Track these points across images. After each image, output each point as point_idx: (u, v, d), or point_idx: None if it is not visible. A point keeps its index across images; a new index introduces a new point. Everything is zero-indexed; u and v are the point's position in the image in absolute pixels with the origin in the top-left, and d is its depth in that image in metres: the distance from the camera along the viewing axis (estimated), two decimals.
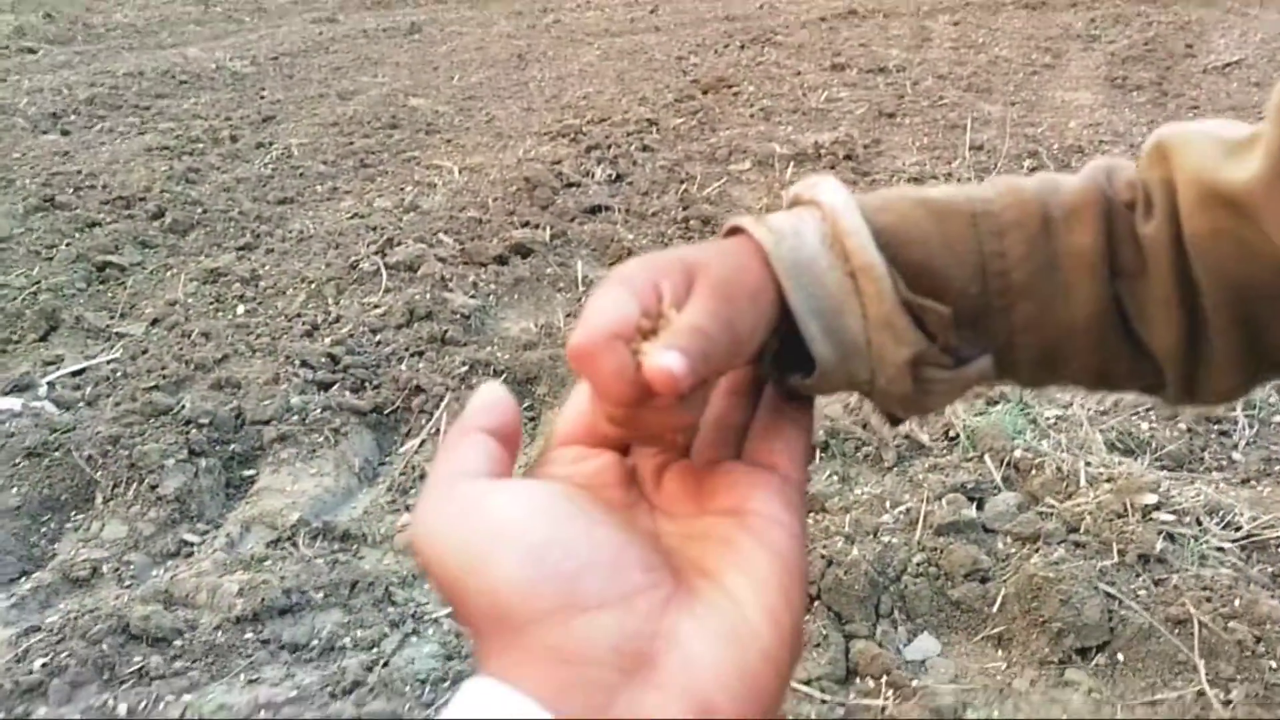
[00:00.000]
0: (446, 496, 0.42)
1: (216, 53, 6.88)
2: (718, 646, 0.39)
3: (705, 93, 5.81)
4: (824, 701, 1.53)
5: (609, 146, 4.52)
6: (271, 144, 4.63)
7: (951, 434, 2.17)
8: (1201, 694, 1.47)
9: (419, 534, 0.42)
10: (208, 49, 7.10)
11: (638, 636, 0.38)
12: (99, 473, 2.01)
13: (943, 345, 0.52)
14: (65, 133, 4.80)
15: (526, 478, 0.45)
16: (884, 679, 1.55)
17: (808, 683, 1.56)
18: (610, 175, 4.13)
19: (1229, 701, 1.45)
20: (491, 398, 0.47)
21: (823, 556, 1.70)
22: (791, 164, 4.19)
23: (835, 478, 2.09)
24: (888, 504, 1.92)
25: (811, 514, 1.96)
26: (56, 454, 2.05)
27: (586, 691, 0.37)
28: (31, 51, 6.95)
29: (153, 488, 1.98)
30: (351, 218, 3.61)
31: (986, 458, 2.01)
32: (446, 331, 2.59)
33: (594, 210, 3.69)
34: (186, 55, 6.73)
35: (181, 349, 2.55)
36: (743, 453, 0.50)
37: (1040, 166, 4.11)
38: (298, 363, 2.41)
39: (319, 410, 2.23)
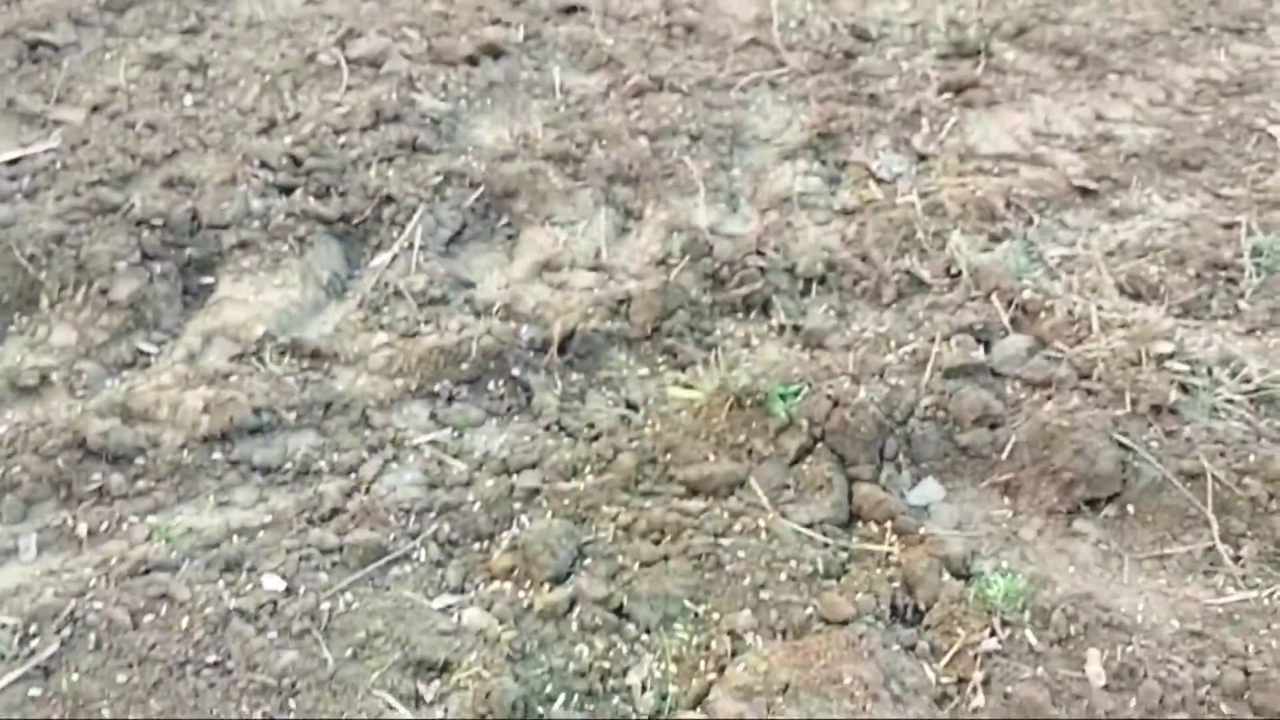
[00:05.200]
0: None
1: None
2: None
3: None
4: (826, 545, 1.48)
5: None
6: None
7: (953, 270, 2.08)
8: (1212, 549, 1.44)
9: None
10: None
11: None
12: (43, 273, 1.85)
13: None
14: None
15: None
16: (888, 524, 1.50)
17: (810, 525, 1.50)
18: None
19: (1239, 558, 1.43)
20: None
21: (828, 397, 1.62)
22: None
23: (832, 312, 2.00)
24: (892, 343, 1.84)
25: (809, 350, 1.88)
26: None
27: None
28: None
29: (103, 291, 1.83)
30: (305, 3, 3.31)
31: (994, 298, 1.92)
32: (417, 137, 2.40)
33: (569, 10, 3.43)
34: None
35: (126, 140, 2.33)
36: None
37: None
38: (256, 163, 2.21)
39: (282, 216, 2.07)
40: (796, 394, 1.64)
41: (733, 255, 2.11)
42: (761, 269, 2.07)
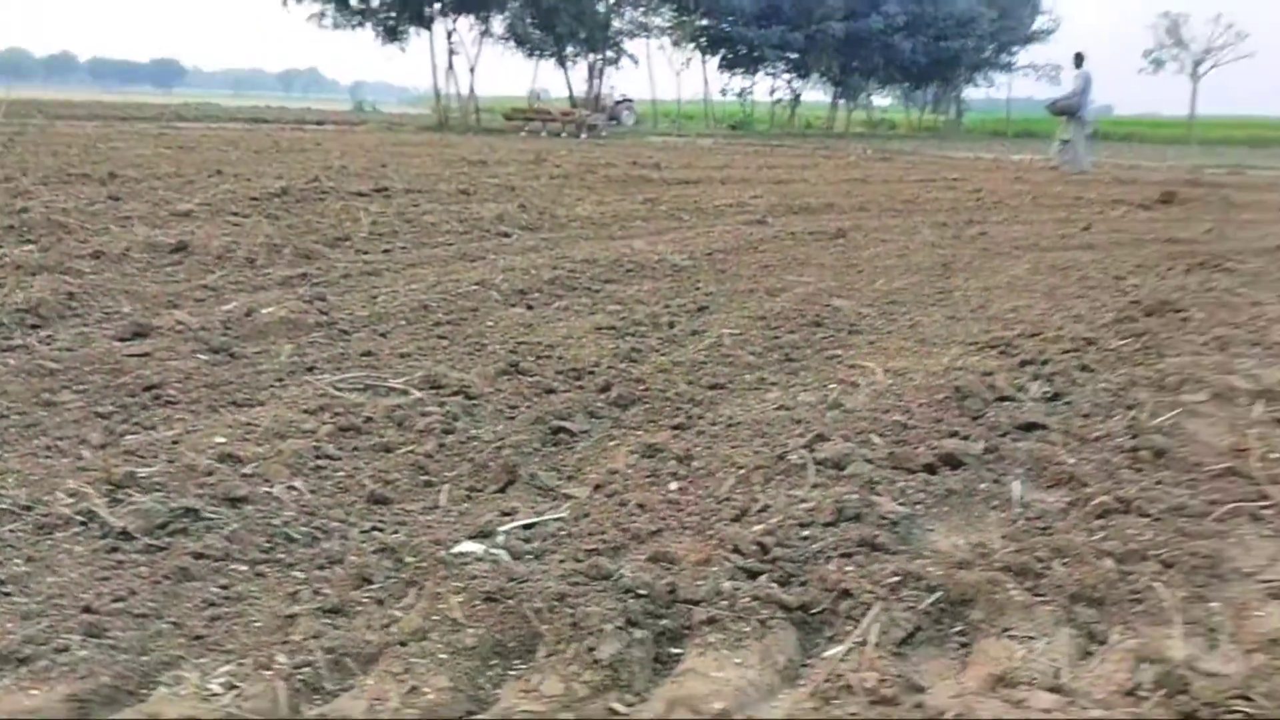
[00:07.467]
0: None
1: (659, 246, 7.50)
2: None
3: (1148, 315, 5.47)
4: None
5: (1044, 362, 4.33)
6: (705, 332, 4.91)
7: None
8: None
9: None
10: (651, 242, 7.76)
11: None
12: (545, 627, 2.12)
13: None
14: (530, 307, 5.38)
15: None
16: None
17: None
18: (1046, 392, 3.94)
19: None
20: None
21: None
22: (1259, 400, 3.78)
23: None
24: None
25: None
26: (510, 602, 2.19)
27: None
28: (507, 235, 7.95)
29: (590, 650, 2.05)
30: (777, 409, 3.69)
31: None
32: (876, 536, 2.52)
33: (1029, 427, 3.51)
34: (633, 247, 7.39)
35: (620, 517, 2.67)
36: None
37: None
38: (729, 547, 2.43)
39: (747, 598, 2.23)
40: None
41: (1213, 696, 1.94)
42: (1248, 715, 1.87)
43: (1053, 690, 2.00)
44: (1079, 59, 18.84)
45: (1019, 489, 2.93)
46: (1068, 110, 18.76)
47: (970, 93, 58.62)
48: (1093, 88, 18.67)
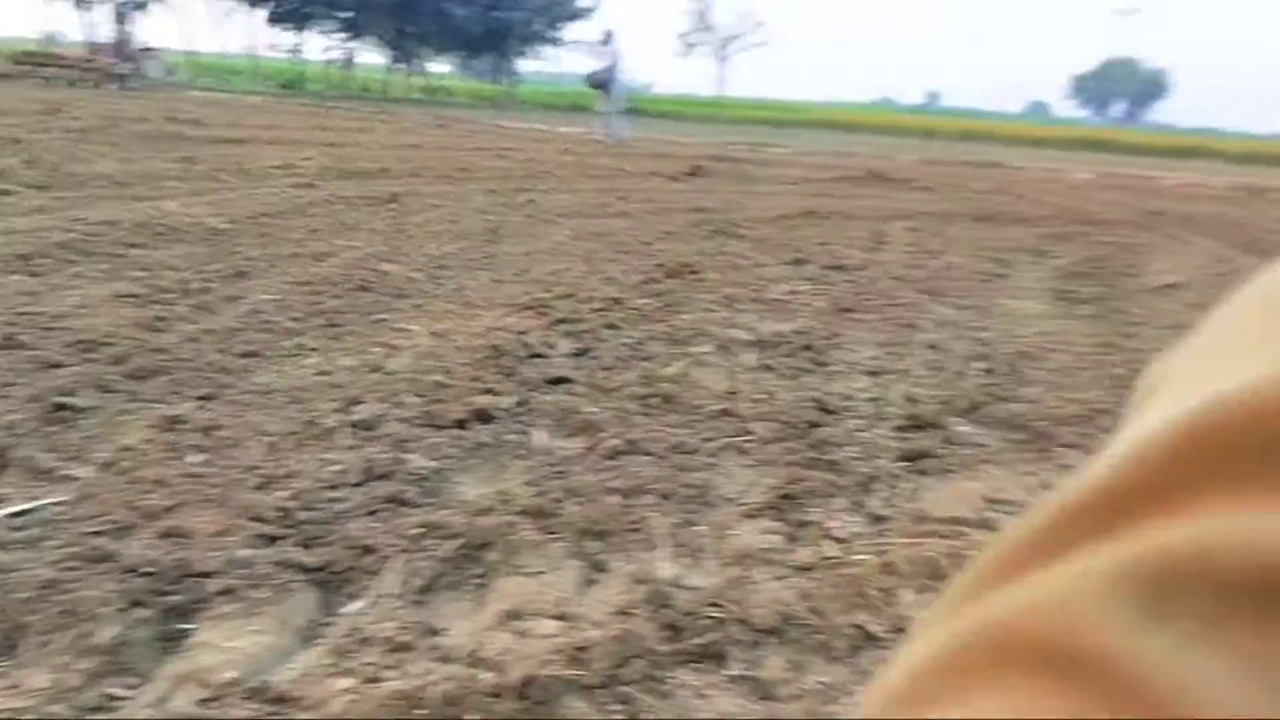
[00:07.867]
0: None
1: (194, 208, 7.01)
2: None
3: (670, 277, 5.99)
4: None
5: (575, 321, 4.62)
6: (242, 298, 4.68)
7: (903, 626, 2.16)
8: None
9: None
10: (186, 204, 7.24)
11: None
12: (32, 617, 1.94)
13: None
14: (34, 274, 4.82)
15: None
16: None
17: None
18: (575, 349, 4.21)
19: None
20: None
21: None
22: (753, 350, 4.30)
23: (786, 665, 2.07)
24: (837, 693, 1.89)
25: (762, 701, 1.93)
26: None
27: None
28: (7, 194, 7.04)
29: (85, 636, 1.91)
30: (316, 374, 3.63)
31: None
32: (403, 492, 2.58)
33: (557, 381, 3.74)
34: (163, 208, 6.85)
35: (130, 495, 2.50)
36: None
37: (991, 369, 4.26)
38: (249, 516, 2.37)
39: (266, 565, 2.19)
40: None
41: (692, 606, 2.21)
42: (718, 619, 2.16)
43: (558, 618, 2.17)
44: (607, 37, 20.02)
45: (541, 438, 3.12)
46: (601, 84, 19.90)
47: (527, 65, 60.27)
48: (620, 64, 19.92)
